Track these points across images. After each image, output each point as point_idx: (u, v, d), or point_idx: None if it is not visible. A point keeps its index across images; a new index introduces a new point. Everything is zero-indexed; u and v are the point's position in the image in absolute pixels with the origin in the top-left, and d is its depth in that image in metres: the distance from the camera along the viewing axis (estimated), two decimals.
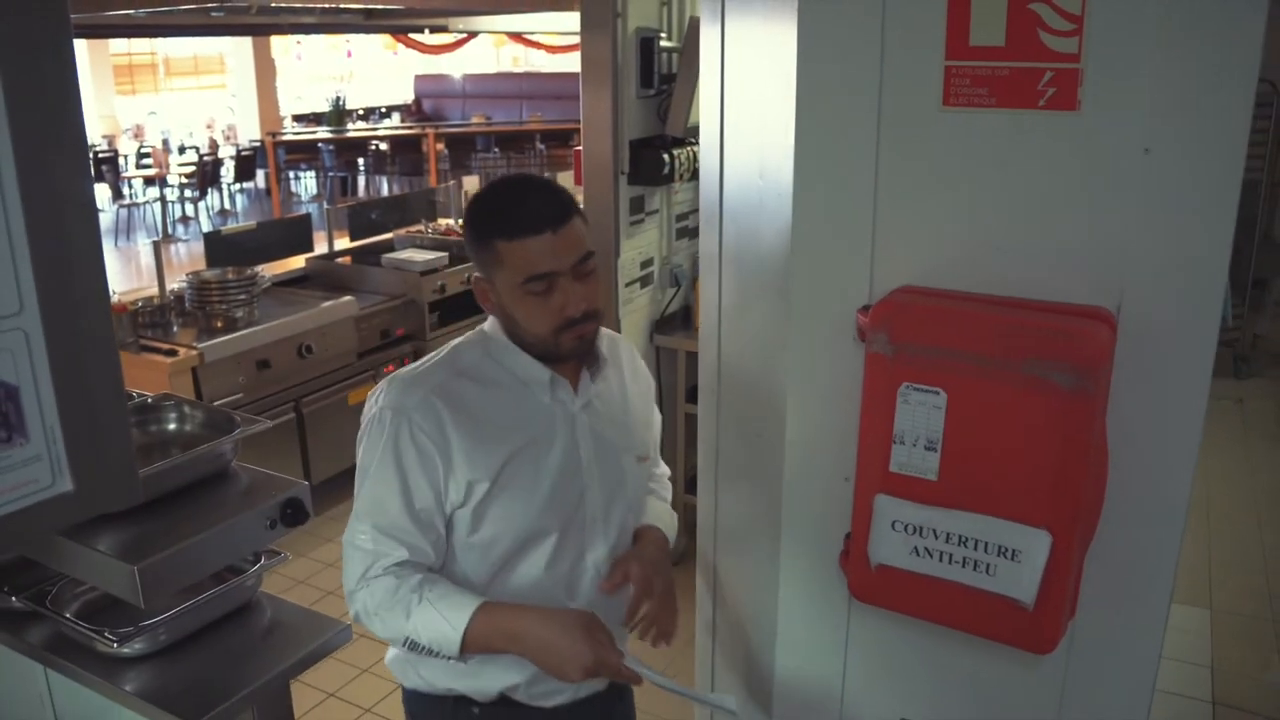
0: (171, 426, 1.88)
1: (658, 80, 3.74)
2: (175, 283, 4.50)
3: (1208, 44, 1.13)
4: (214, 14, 5.23)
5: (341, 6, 5.08)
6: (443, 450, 1.43)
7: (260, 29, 7.65)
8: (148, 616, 1.66)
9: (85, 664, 1.66)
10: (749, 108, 1.53)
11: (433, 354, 1.54)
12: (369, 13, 5.66)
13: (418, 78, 16.80)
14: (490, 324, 1.54)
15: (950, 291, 1.31)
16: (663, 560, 1.61)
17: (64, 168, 0.90)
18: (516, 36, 11.13)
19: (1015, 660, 1.41)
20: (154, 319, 4.25)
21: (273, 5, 4.56)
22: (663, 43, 3.75)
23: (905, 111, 1.30)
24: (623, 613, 1.54)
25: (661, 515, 1.70)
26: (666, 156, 3.73)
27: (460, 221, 5.91)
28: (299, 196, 13.93)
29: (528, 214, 1.42)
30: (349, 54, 16.13)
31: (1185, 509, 1.30)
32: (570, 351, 1.48)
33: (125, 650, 1.64)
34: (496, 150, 13.16)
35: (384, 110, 16.13)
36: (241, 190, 13.70)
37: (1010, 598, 1.25)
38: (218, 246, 4.90)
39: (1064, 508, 1.20)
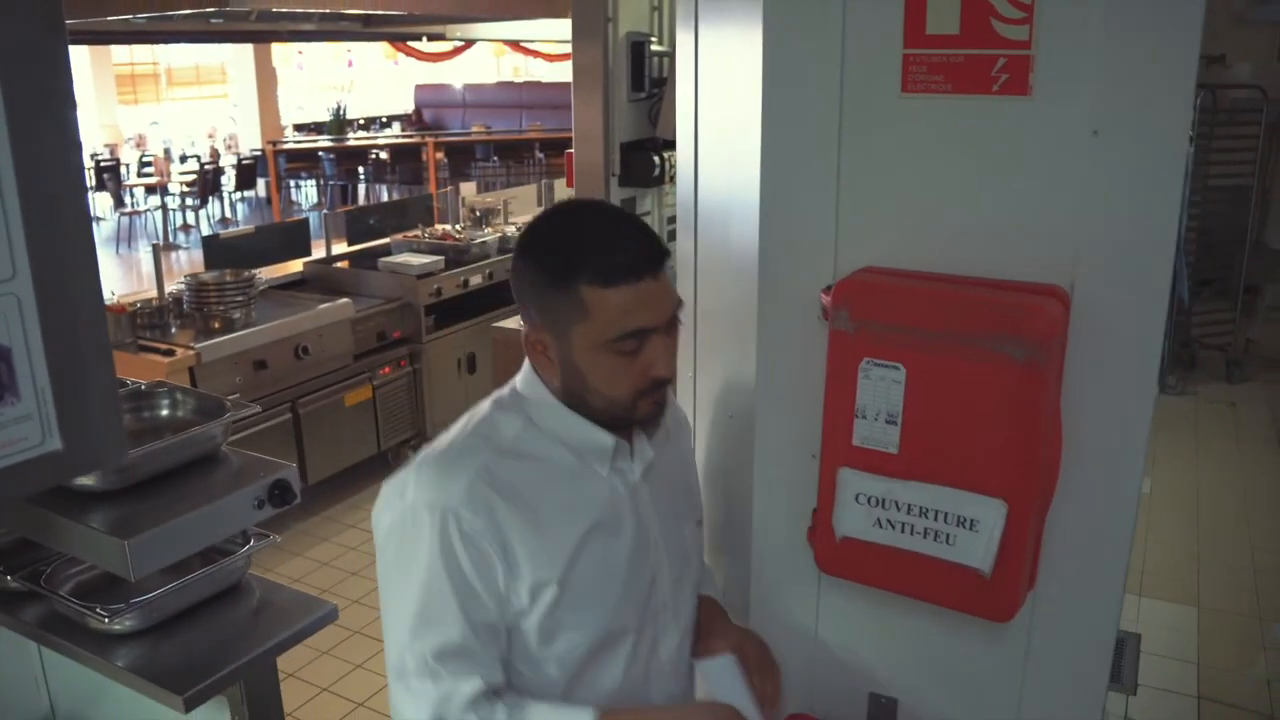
0: (164, 412, 1.93)
1: (649, 84, 3.80)
2: (174, 285, 4.56)
3: (1151, 30, 1.18)
4: (213, 21, 5.30)
5: (340, 12, 5.15)
6: (501, 549, 1.19)
7: (260, 36, 7.74)
8: (139, 594, 1.70)
9: (78, 640, 1.71)
10: (722, 110, 1.58)
11: (457, 427, 1.29)
12: (367, 20, 5.74)
13: (418, 87, 16.91)
14: (526, 384, 1.30)
15: (909, 271, 1.35)
16: (735, 628, 1.48)
17: (55, 144, 0.96)
18: (515, 45, 11.23)
19: (980, 632, 1.45)
20: (152, 320, 4.31)
21: (273, 10, 4.62)
22: (653, 47, 3.81)
23: (866, 99, 1.35)
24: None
25: (709, 577, 1.59)
26: (657, 159, 3.78)
27: (460, 227, 5.96)
28: (299, 205, 14.02)
29: (626, 255, 1.18)
30: (350, 64, 16.25)
31: (1139, 481, 1.34)
32: (646, 418, 1.27)
33: (117, 626, 1.69)
34: (496, 159, 13.25)
35: (385, 120, 16.23)
36: (243, 199, 13.80)
37: (969, 567, 1.29)
38: (216, 250, 4.96)
39: (1018, 477, 1.25)
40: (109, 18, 4.49)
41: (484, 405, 1.32)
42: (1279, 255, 6.46)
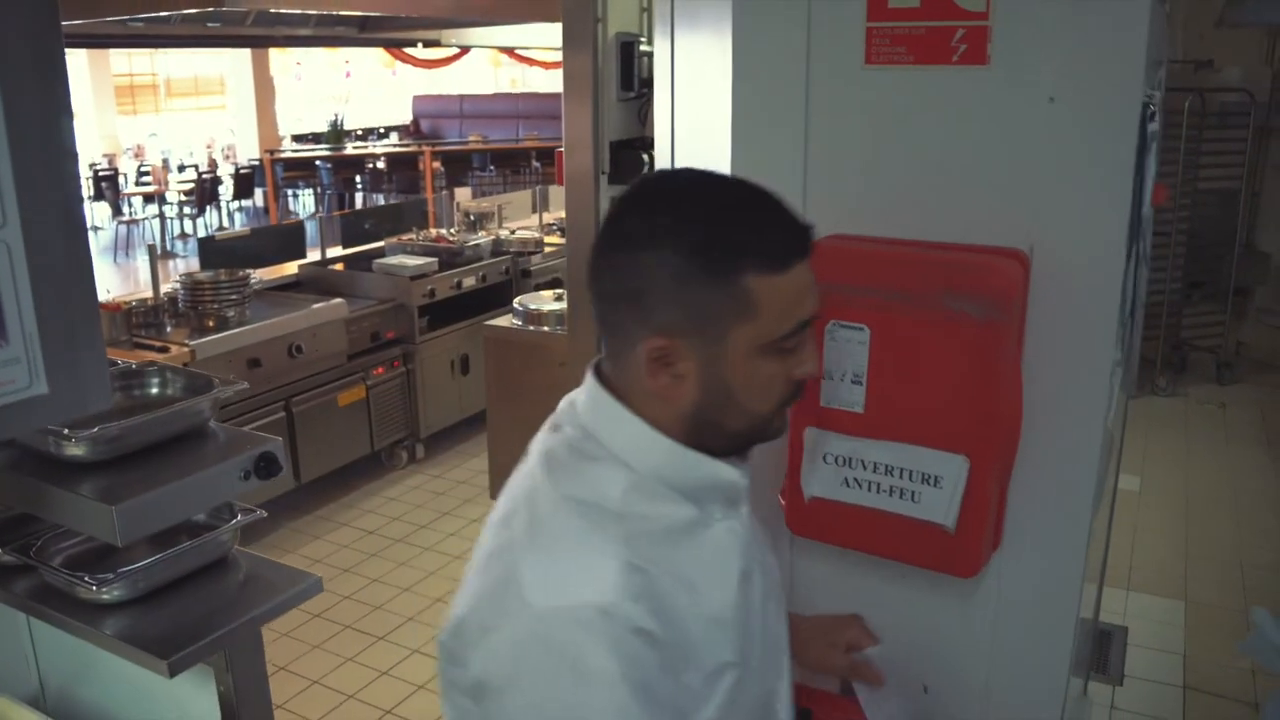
0: (154, 390, 1.97)
1: (638, 83, 3.85)
2: (169, 285, 4.61)
3: None
4: (210, 25, 5.36)
5: (336, 14, 5.21)
6: (678, 638, 0.92)
7: (257, 41, 7.81)
8: (127, 565, 1.74)
9: (67, 610, 1.74)
10: (697, 113, 1.61)
11: (542, 497, 0.97)
12: (363, 24, 5.80)
13: (416, 98, 17.00)
14: (608, 422, 0.99)
15: (874, 237, 1.39)
16: (843, 618, 1.35)
17: (46, 102, 1.00)
18: (511, 52, 11.32)
19: (948, 593, 1.48)
20: (147, 319, 4.35)
21: (270, 11, 4.67)
22: (643, 47, 3.86)
23: (831, 72, 1.40)
24: None
25: None
26: (646, 157, 3.83)
27: (454, 230, 6.01)
28: (296, 214, 14.08)
29: (791, 229, 0.96)
30: (348, 75, 16.35)
31: (1099, 444, 1.38)
32: (777, 431, 1.04)
33: (105, 596, 1.72)
34: (493, 168, 13.32)
35: (382, 130, 16.31)
36: (240, 208, 13.86)
37: (934, 523, 1.33)
38: (212, 252, 5.01)
39: (979, 433, 1.29)
40: (107, 19, 4.54)
41: (557, 457, 1.00)
42: (1268, 258, 6.52)
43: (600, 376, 1.02)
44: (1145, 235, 1.54)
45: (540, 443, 1.04)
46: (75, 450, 1.66)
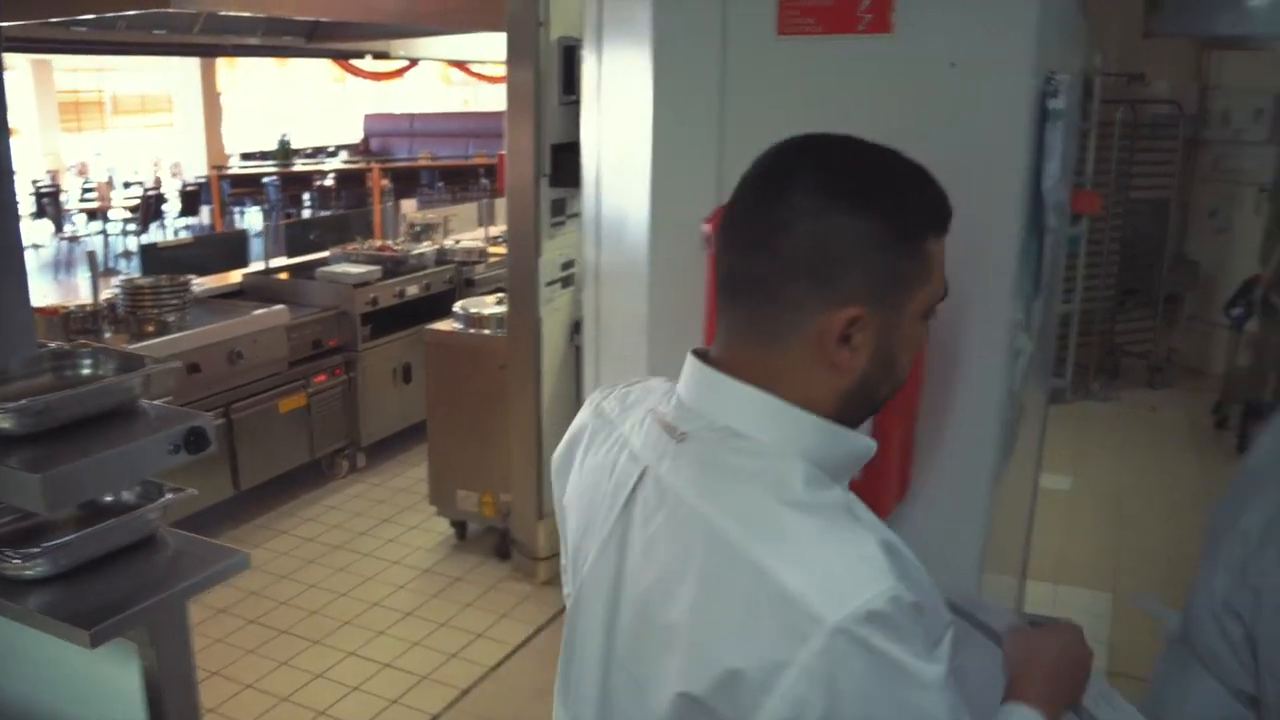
0: (86, 371, 1.96)
1: (579, 87, 3.90)
2: (109, 290, 4.56)
3: None
4: (156, 32, 5.33)
5: (284, 19, 5.21)
6: (927, 606, 0.88)
7: (204, 50, 7.75)
8: (52, 540, 1.73)
9: None
10: (622, 126, 1.67)
11: (740, 514, 0.88)
12: (311, 33, 5.80)
13: (367, 117, 16.94)
14: (744, 413, 0.93)
15: None
16: None
17: None
18: (462, 66, 11.36)
19: None
20: (86, 325, 4.30)
21: (219, 15, 4.67)
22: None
23: (745, 43, 1.46)
24: None
25: None
26: None
27: (399, 241, 6.00)
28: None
29: (942, 192, 0.97)
30: (298, 92, 16.27)
31: (1000, 405, 1.44)
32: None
33: (29, 571, 1.71)
34: (441, 185, 13.31)
35: (332, 149, 16.22)
36: (186, 226, 13.69)
37: None
38: (154, 260, 4.97)
39: None
40: (50, 19, 4.50)
41: (728, 465, 0.92)
42: (1197, 266, 6.73)
43: (709, 363, 0.96)
44: (1059, 215, 1.60)
45: (677, 455, 0.95)
46: (3, 423, 1.66)
